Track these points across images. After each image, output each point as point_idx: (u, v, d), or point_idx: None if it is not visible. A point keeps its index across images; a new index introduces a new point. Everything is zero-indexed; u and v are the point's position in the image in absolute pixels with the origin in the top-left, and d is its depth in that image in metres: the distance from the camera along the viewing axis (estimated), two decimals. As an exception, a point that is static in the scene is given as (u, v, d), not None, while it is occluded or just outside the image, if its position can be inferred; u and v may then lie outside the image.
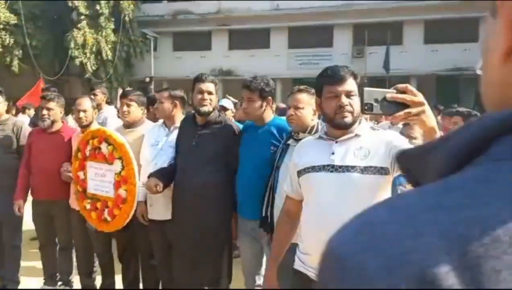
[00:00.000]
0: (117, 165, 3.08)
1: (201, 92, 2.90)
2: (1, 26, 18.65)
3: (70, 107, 4.50)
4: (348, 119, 1.84)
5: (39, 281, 4.03)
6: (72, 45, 19.75)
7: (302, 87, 2.62)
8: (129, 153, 3.05)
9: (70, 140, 3.74)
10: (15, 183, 3.80)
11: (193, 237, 2.91)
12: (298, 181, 1.97)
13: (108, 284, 3.73)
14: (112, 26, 21.47)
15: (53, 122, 3.72)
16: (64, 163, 3.60)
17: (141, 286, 3.67)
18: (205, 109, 2.90)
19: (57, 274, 4.00)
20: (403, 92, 1.45)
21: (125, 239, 3.52)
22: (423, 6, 19.93)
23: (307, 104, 2.52)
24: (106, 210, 3.14)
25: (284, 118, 3.04)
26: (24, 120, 8.52)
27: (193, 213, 2.90)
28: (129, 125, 3.51)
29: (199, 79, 2.94)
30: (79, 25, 20.19)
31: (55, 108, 3.73)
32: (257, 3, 22.86)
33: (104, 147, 3.16)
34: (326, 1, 21.13)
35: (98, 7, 20.61)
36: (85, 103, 3.64)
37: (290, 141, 2.57)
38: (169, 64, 24.50)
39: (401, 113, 1.43)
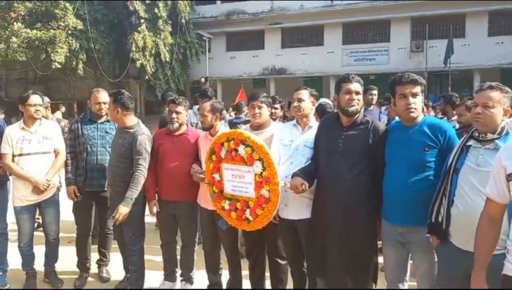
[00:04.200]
0: (257, 166, 3.13)
1: (349, 92, 2.90)
2: (69, 32, 19.49)
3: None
4: None
5: (158, 275, 4.19)
6: (133, 48, 20.36)
7: (494, 83, 2.37)
8: (269, 154, 3.09)
9: (195, 142, 3.86)
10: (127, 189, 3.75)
11: (339, 238, 2.91)
12: (508, 185, 1.91)
13: (235, 280, 3.82)
14: (170, 29, 22.01)
15: (180, 125, 3.86)
16: (193, 165, 3.72)
17: (267, 284, 3.74)
18: (353, 109, 2.89)
19: (177, 270, 4.15)
20: None
21: (254, 237, 3.57)
22: (488, -4, 19.13)
23: (498, 103, 2.31)
24: (248, 210, 3.21)
25: (429, 116, 3.00)
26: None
27: (340, 214, 2.89)
28: (257, 127, 3.57)
29: (346, 79, 2.93)
30: (138, 28, 20.79)
31: (183, 112, 3.86)
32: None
33: (241, 149, 3.22)
34: (382, -6, 20.72)
35: (156, 10, 21.14)
36: (206, 107, 3.74)
37: (472, 142, 2.39)
38: (223, 64, 24.85)
39: None
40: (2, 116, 5.81)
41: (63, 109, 10.24)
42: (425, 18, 20.25)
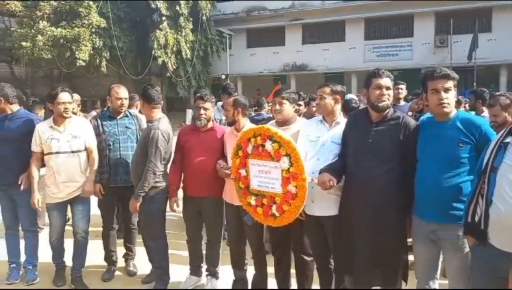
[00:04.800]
0: (284, 162, 3.11)
1: (379, 87, 2.85)
2: (93, 30, 19.78)
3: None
4: None
5: (184, 269, 4.24)
6: (155, 45, 20.56)
7: None
8: (297, 149, 3.07)
9: (221, 138, 3.88)
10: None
11: (368, 235, 2.87)
12: None
13: (260, 276, 3.82)
14: (191, 26, 22.15)
15: (208, 121, 3.87)
16: (219, 161, 3.74)
17: (293, 282, 3.73)
18: (383, 104, 2.84)
19: (202, 265, 4.18)
20: None
21: (280, 233, 3.55)
22: (516, -11, 18.63)
23: None
24: (274, 206, 3.19)
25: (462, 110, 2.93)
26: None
27: (369, 211, 2.85)
28: (283, 123, 3.56)
29: (376, 74, 2.88)
30: (160, 26, 20.98)
31: (211, 108, 3.87)
32: (332, -5, 22.54)
33: (268, 145, 3.21)
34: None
35: (178, 7, 21.29)
36: (230, 102, 3.77)
37: (510, 139, 2.27)
38: (243, 60, 24.91)
39: None
40: (41, 112, 5.87)
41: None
42: (450, 12, 19.85)
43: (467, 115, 2.78)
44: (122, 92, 4.27)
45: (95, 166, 4.07)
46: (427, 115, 4.20)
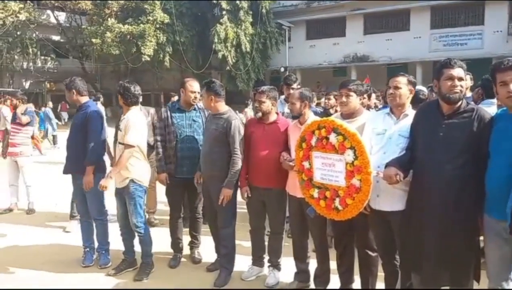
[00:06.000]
0: (348, 155, 3.07)
1: (451, 78, 2.72)
2: (157, 26, 20.50)
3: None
4: None
5: (246, 259, 4.31)
6: (215, 39, 20.92)
7: None
8: (362, 142, 3.02)
9: (285, 131, 3.90)
10: (225, 174, 3.94)
11: (438, 232, 2.77)
12: None
13: (322, 269, 3.81)
14: (250, 19, 22.29)
15: (265, 113, 3.92)
16: (283, 153, 3.76)
17: (356, 277, 3.68)
18: (456, 96, 2.71)
19: (264, 256, 4.23)
20: None
21: (343, 227, 3.51)
22: None
23: None
24: (337, 199, 3.16)
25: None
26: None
27: (440, 207, 2.74)
28: (348, 115, 3.50)
29: (447, 64, 2.75)
30: (221, 20, 21.30)
31: (267, 101, 3.91)
32: (396, -17, 21.71)
33: (333, 137, 3.17)
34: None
35: (238, 1, 21.50)
36: (295, 95, 3.80)
37: None
38: (302, 53, 24.69)
39: None
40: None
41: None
42: (526, -4, 18.50)
43: (549, 107, 2.59)
44: (196, 85, 4.40)
45: (119, 165, 4.02)
46: (487, 104, 3.99)
